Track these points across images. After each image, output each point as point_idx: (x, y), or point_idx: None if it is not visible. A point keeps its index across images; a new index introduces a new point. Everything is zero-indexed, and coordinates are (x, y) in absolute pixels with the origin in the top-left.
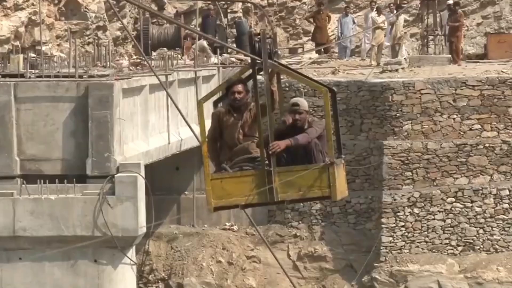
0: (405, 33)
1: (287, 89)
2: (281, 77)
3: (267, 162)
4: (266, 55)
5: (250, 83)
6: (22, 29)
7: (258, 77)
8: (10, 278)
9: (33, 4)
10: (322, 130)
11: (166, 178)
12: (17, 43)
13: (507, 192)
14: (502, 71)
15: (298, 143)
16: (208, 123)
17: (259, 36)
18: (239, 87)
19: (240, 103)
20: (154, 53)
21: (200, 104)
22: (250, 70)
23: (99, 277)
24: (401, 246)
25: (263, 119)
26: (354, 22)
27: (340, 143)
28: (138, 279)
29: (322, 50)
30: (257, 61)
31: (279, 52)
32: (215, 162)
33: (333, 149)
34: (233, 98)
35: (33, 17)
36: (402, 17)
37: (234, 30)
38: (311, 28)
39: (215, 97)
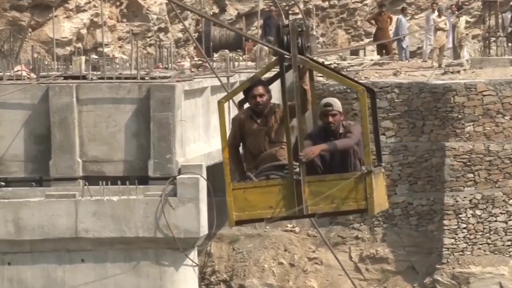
0: (466, 34)
1: (348, 90)
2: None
3: (297, 170)
4: (295, 49)
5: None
6: (84, 31)
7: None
8: (72, 279)
9: (95, 6)
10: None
11: None
12: (79, 45)
13: None
14: None
15: (336, 148)
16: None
17: (288, 28)
18: (260, 89)
19: (263, 108)
20: (215, 55)
21: (220, 104)
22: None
23: (161, 278)
24: (463, 248)
25: (292, 122)
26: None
27: (379, 150)
28: (200, 281)
29: (384, 51)
30: (285, 56)
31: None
32: (239, 171)
33: (370, 156)
34: (254, 102)
35: (95, 19)
36: (464, 19)
37: None
38: (373, 29)
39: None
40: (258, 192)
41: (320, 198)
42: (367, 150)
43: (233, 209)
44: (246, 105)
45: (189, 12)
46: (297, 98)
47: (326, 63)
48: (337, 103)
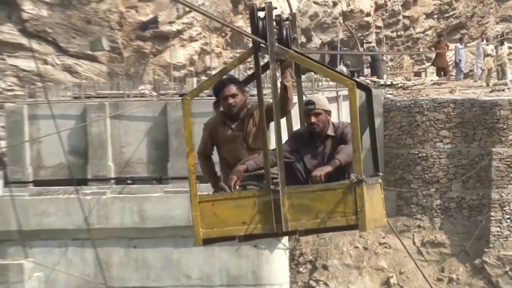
0: (509, 59)
1: (412, 105)
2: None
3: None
4: (272, 36)
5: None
6: (195, 57)
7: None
8: (186, 260)
9: (204, 37)
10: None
11: None
12: (192, 68)
13: None
14: None
15: (341, 164)
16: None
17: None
18: (232, 89)
19: (236, 109)
20: (303, 76)
21: (185, 102)
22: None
23: (258, 259)
24: (507, 235)
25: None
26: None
27: (377, 157)
28: (290, 261)
29: (442, 73)
30: (261, 45)
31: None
32: (212, 182)
33: (361, 163)
34: (226, 104)
35: (204, 47)
36: (506, 46)
37: (369, 58)
38: (433, 55)
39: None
40: (229, 205)
41: (302, 212)
42: (357, 156)
43: (199, 225)
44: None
45: None
46: (274, 96)
47: (394, 83)
48: (321, 100)
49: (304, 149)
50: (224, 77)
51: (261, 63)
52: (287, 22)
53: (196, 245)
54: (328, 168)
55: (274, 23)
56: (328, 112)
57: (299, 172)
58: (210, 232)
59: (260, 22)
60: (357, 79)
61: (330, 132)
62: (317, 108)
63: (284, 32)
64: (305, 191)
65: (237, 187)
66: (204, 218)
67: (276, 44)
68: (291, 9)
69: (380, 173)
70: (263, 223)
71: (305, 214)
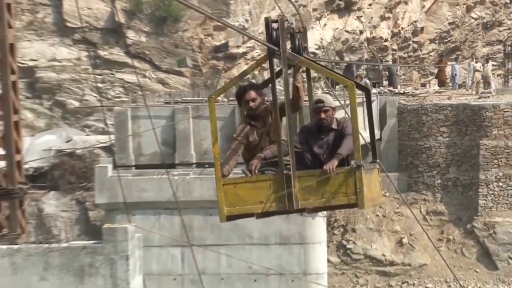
0: (493, 74)
1: (419, 108)
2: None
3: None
4: (285, 43)
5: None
6: (256, 72)
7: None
8: (249, 224)
9: (253, 57)
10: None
11: None
12: (253, 81)
13: None
14: None
15: (344, 156)
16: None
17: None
18: (252, 94)
19: (256, 111)
20: (337, 87)
21: (211, 100)
22: (275, 67)
23: (303, 224)
24: (491, 206)
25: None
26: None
27: (375, 147)
28: (327, 225)
29: (442, 84)
30: (275, 52)
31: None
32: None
33: (360, 151)
34: (247, 107)
35: (263, 65)
36: (490, 64)
37: (387, 72)
38: (435, 70)
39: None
40: (249, 187)
41: (310, 193)
42: (356, 145)
43: (223, 204)
44: None
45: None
46: (286, 94)
47: (405, 92)
48: (328, 99)
49: (312, 140)
50: (245, 84)
51: (277, 68)
52: (299, 33)
53: (221, 221)
54: (335, 162)
55: (289, 34)
56: (334, 109)
57: (307, 159)
58: (232, 210)
59: (274, 32)
60: (356, 81)
61: (334, 126)
62: (326, 106)
63: (297, 42)
64: (312, 175)
65: (257, 172)
66: (227, 198)
67: (288, 51)
68: (302, 23)
69: (378, 160)
70: (277, 202)
71: (313, 194)
